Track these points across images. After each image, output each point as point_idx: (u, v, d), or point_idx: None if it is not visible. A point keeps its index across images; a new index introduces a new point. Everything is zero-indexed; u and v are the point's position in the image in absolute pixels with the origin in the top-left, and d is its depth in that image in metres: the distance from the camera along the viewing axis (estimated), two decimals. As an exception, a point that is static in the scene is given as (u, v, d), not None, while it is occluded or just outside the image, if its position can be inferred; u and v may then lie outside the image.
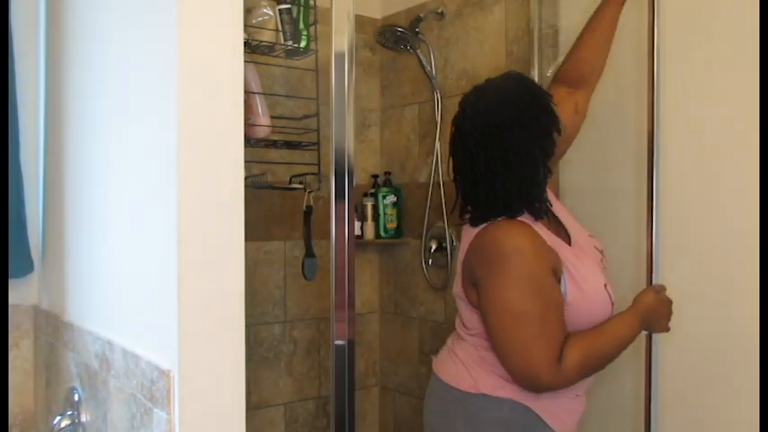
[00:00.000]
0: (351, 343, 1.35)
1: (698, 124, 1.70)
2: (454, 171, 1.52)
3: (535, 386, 1.40)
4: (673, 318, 1.54)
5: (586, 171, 1.96)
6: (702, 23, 1.69)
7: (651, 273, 1.66)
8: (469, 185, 1.47)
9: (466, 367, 1.49)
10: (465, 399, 1.47)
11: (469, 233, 1.47)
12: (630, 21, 1.75)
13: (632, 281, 1.74)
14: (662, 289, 1.55)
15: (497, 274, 1.37)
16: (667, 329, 1.55)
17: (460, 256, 1.49)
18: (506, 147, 1.41)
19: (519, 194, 1.43)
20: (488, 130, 1.42)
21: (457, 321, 1.59)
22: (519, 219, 1.42)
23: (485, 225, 1.43)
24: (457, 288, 1.53)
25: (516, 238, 1.38)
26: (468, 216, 1.49)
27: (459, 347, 1.53)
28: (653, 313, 1.49)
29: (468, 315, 1.50)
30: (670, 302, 1.54)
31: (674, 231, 1.71)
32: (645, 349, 1.67)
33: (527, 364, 1.36)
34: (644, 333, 1.58)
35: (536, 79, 2.06)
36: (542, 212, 1.45)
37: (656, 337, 1.65)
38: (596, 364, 1.43)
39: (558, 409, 1.46)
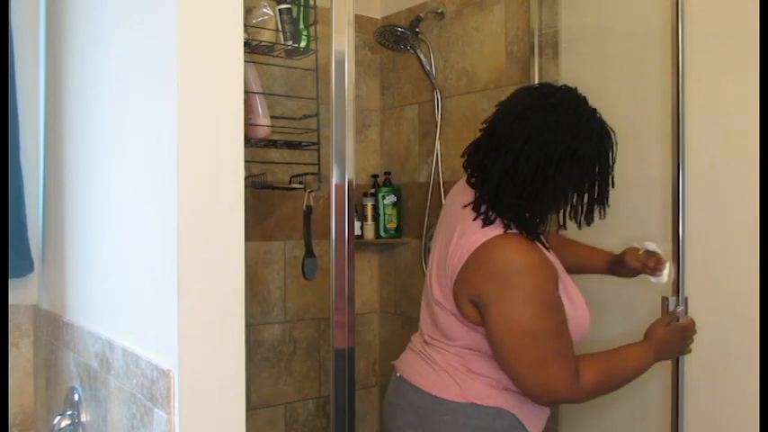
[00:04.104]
0: (351, 346, 1.35)
1: (722, 123, 1.67)
2: (480, 153, 1.42)
3: (555, 401, 1.41)
4: (701, 324, 1.54)
5: (622, 168, 1.93)
6: (726, 23, 1.67)
7: (679, 278, 1.63)
8: (499, 179, 1.36)
9: (451, 376, 1.42)
10: (452, 409, 1.40)
11: (468, 234, 1.36)
12: (654, 22, 1.73)
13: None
14: (673, 319, 1.54)
15: (510, 293, 1.31)
16: (685, 353, 1.56)
17: (451, 261, 1.37)
18: (560, 166, 1.34)
19: (539, 210, 1.38)
20: (554, 144, 1.33)
21: (429, 328, 1.50)
22: (514, 234, 1.35)
23: (485, 240, 1.33)
24: (441, 296, 1.42)
25: (525, 255, 1.32)
26: (480, 212, 1.38)
27: (439, 356, 1.45)
28: (665, 345, 1.49)
29: (453, 326, 1.42)
30: (684, 329, 1.53)
31: (699, 231, 1.68)
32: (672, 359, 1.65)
33: (547, 382, 1.33)
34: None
35: (536, 80, 2.07)
36: (538, 235, 1.40)
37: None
38: (611, 384, 1.43)
39: (537, 414, 1.45)
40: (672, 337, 1.50)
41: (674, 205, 1.63)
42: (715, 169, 1.68)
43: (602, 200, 1.41)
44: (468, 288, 1.35)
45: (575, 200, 1.39)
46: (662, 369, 1.58)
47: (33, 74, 1.89)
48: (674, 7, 1.63)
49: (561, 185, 1.36)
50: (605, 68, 1.95)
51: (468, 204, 1.40)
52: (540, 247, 1.38)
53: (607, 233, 1.90)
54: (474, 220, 1.37)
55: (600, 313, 1.91)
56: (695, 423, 1.69)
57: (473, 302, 1.35)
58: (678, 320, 1.54)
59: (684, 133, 1.63)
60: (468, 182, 1.46)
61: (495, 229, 1.35)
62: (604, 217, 1.42)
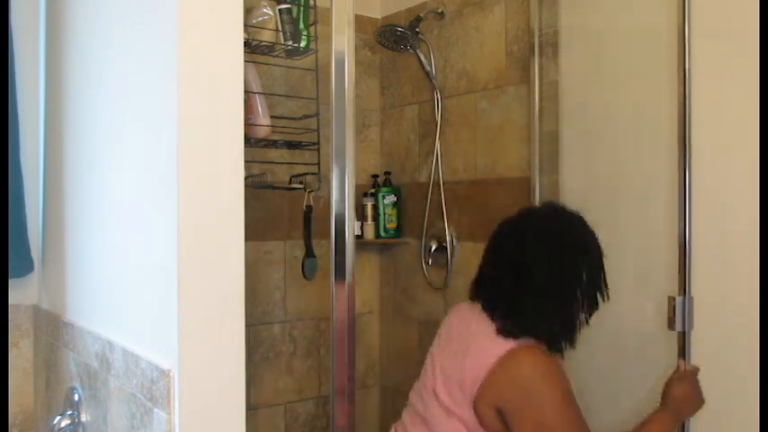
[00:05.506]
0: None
1: (729, 122, 1.65)
2: (493, 265, 1.56)
3: None
4: (706, 323, 1.57)
5: (612, 168, 1.93)
6: (732, 22, 1.65)
7: (686, 277, 1.65)
8: (516, 293, 1.49)
9: None
10: None
11: (487, 346, 1.46)
12: (655, 22, 1.73)
13: (664, 281, 1.72)
14: (684, 375, 1.58)
15: (538, 401, 1.42)
16: (702, 404, 1.59)
17: (470, 372, 1.46)
18: (575, 272, 1.49)
19: (564, 324, 1.50)
20: (565, 249, 1.50)
21: (412, 417, 1.58)
22: (535, 345, 1.46)
23: (508, 350, 1.44)
24: (449, 402, 1.49)
25: (549, 363, 1.44)
26: (500, 325, 1.48)
27: None
28: (684, 403, 1.55)
29: (447, 428, 1.49)
30: (695, 381, 1.57)
31: (705, 231, 1.67)
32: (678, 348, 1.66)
33: None
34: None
35: (536, 80, 2.07)
36: (561, 348, 1.52)
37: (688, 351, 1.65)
38: None
39: None
40: (688, 392, 1.56)
41: (680, 205, 1.64)
42: (722, 169, 1.66)
43: (603, 291, 1.54)
44: (493, 395, 1.44)
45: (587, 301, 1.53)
46: (663, 369, 1.58)
47: (33, 74, 1.90)
48: (680, 7, 1.63)
49: (582, 293, 1.51)
50: (606, 68, 1.95)
51: (491, 326, 1.49)
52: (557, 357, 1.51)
53: (613, 234, 1.90)
54: (496, 333, 1.47)
55: (604, 313, 1.90)
56: (695, 421, 1.69)
57: (498, 409, 1.44)
58: (683, 371, 1.59)
59: (691, 133, 1.63)
60: (486, 311, 1.52)
61: (518, 341, 1.45)
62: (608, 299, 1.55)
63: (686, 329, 1.62)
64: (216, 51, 1.15)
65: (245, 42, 1.69)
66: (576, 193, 2.00)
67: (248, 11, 2.06)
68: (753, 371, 1.61)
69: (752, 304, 1.61)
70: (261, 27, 2.10)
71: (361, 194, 2.56)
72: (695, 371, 1.59)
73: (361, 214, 2.55)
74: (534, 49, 2.07)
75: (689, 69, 1.62)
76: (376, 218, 2.56)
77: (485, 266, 1.59)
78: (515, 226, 1.57)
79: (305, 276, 2.20)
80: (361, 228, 2.56)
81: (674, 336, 1.65)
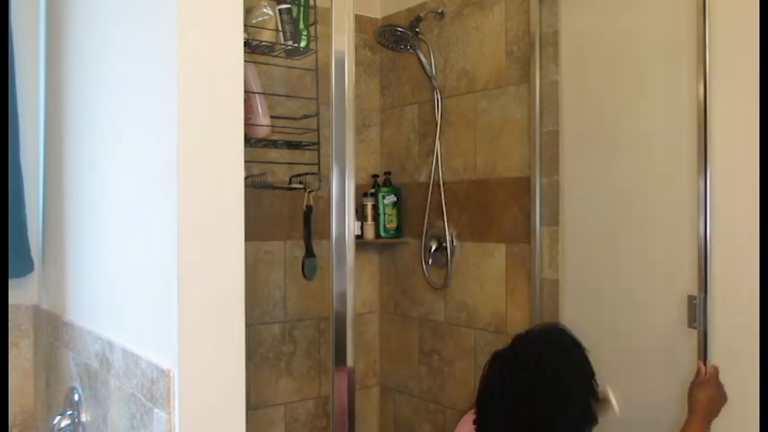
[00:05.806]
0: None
1: (746, 122, 1.62)
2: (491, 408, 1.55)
3: None
4: (724, 319, 1.57)
5: (613, 168, 1.93)
6: (746, 22, 1.62)
7: (705, 276, 1.66)
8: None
9: None
10: None
11: None
12: (656, 21, 1.71)
13: (682, 280, 1.72)
14: (706, 379, 1.59)
15: None
16: (726, 401, 1.60)
17: None
18: (568, 401, 1.50)
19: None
20: (558, 383, 1.50)
21: None
22: None
23: None
24: None
25: None
26: None
27: None
28: (711, 405, 1.57)
29: None
30: (717, 382, 1.59)
31: (723, 231, 1.67)
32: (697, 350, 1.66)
33: None
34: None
35: (536, 80, 2.07)
36: None
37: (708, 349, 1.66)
38: None
39: None
40: (712, 394, 1.58)
41: (699, 204, 1.64)
42: (737, 167, 1.64)
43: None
44: None
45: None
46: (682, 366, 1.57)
47: (33, 74, 1.90)
48: (699, 8, 1.63)
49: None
50: (606, 68, 1.95)
51: None
52: None
53: (617, 233, 1.90)
54: None
55: (625, 313, 1.89)
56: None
57: None
58: (704, 374, 1.60)
59: (711, 132, 1.62)
60: None
61: None
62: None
63: (706, 328, 1.63)
64: (216, 51, 1.15)
65: (245, 42, 1.69)
66: (575, 193, 2.00)
67: (248, 11, 2.06)
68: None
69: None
70: (261, 27, 2.10)
71: (361, 194, 2.56)
72: (715, 371, 1.60)
73: (361, 214, 2.55)
74: (534, 49, 2.07)
75: (708, 70, 1.61)
76: (376, 218, 2.56)
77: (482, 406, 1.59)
78: (501, 382, 1.56)
79: (305, 276, 2.21)
80: (361, 228, 2.56)
81: (693, 334, 1.66)
